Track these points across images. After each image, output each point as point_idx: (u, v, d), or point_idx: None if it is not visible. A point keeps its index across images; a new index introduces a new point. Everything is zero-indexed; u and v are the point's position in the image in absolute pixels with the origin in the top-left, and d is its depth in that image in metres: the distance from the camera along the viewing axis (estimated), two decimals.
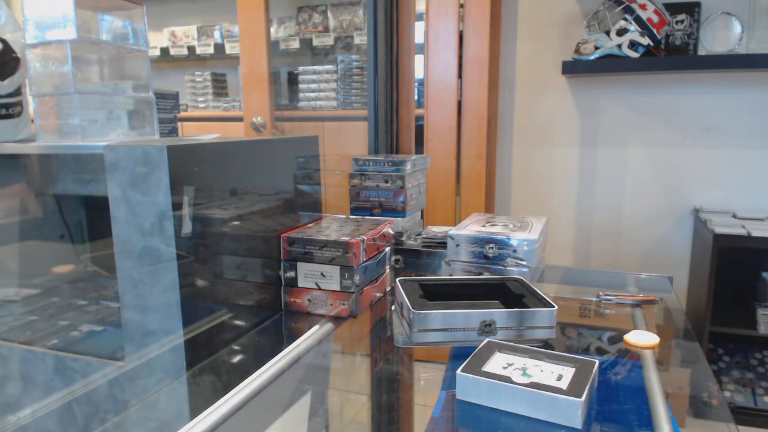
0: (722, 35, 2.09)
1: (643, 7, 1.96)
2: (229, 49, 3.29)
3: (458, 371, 0.66)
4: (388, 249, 1.12)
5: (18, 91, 1.03)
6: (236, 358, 0.89)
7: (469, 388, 0.66)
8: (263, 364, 0.50)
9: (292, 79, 3.16)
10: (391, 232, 1.16)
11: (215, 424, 0.42)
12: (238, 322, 0.92)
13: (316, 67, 3.02)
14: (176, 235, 0.77)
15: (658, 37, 1.99)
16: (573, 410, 0.59)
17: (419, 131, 2.31)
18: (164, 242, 0.77)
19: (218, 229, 0.87)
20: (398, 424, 0.82)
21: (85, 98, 0.92)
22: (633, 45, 2.00)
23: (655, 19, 1.96)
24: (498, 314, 0.80)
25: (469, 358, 0.70)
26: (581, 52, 2.10)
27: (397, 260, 1.26)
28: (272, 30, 3.13)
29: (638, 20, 1.97)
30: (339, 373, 0.88)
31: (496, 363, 0.70)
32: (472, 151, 2.31)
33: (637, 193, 2.26)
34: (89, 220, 1.22)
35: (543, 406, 0.61)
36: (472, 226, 1.13)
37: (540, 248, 1.09)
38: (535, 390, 0.62)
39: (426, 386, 0.77)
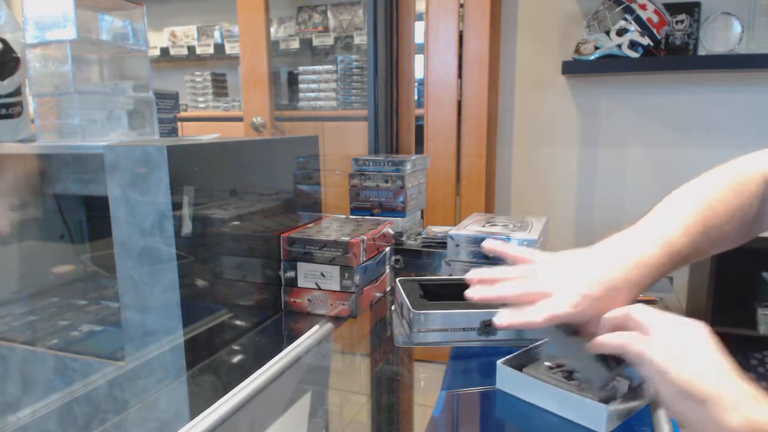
0: (722, 35, 2.09)
1: (643, 7, 1.96)
2: (229, 49, 3.29)
3: (498, 362, 0.69)
4: (388, 249, 1.12)
5: (18, 91, 1.03)
6: (236, 358, 0.89)
7: (506, 380, 0.68)
8: (263, 364, 0.50)
9: (292, 79, 3.16)
10: (391, 232, 1.16)
11: (215, 424, 0.42)
12: (238, 322, 0.92)
13: (316, 67, 3.02)
14: (176, 235, 0.77)
15: (658, 37, 1.99)
16: (599, 415, 0.59)
17: (419, 131, 2.31)
18: (164, 242, 0.77)
19: (218, 229, 0.87)
20: (398, 424, 0.82)
21: (85, 98, 0.92)
22: (633, 45, 2.00)
23: (655, 19, 1.96)
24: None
25: (519, 351, 0.71)
26: (581, 52, 2.10)
27: (397, 260, 1.26)
28: (272, 30, 3.13)
29: (638, 20, 1.97)
30: (339, 373, 0.88)
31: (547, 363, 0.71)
32: (472, 151, 2.30)
33: (638, 193, 2.26)
34: (89, 220, 1.22)
35: (569, 407, 0.62)
36: (472, 226, 1.13)
37: (540, 248, 1.09)
38: (564, 390, 0.62)
39: (426, 386, 0.77)
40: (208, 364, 0.83)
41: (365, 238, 0.99)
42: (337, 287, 0.98)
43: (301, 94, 3.06)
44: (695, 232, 0.63)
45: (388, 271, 1.12)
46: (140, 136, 1.03)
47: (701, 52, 2.11)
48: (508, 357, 0.70)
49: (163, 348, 0.80)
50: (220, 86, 3.42)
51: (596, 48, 2.06)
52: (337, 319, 0.97)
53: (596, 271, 0.59)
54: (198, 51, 3.37)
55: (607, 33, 2.03)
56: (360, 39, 2.99)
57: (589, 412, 0.60)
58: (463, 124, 2.31)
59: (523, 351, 0.72)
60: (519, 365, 0.70)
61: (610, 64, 2.07)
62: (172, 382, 0.80)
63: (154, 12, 3.43)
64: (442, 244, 1.24)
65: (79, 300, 1.11)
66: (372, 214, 1.31)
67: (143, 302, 0.80)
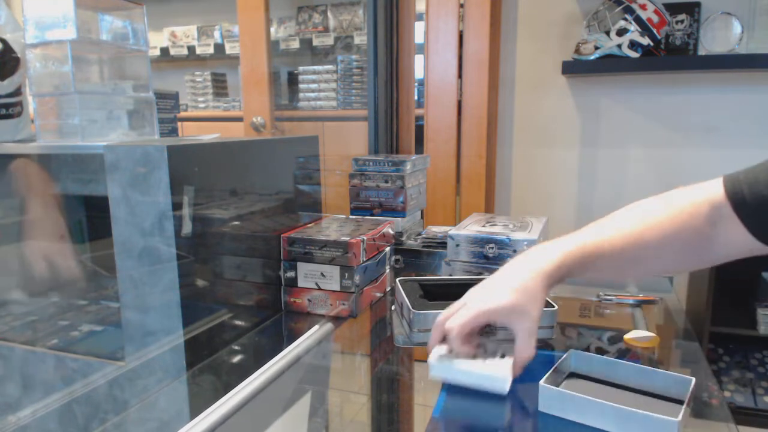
0: (722, 35, 2.09)
1: (643, 7, 1.96)
2: (229, 49, 3.29)
3: (541, 383, 0.66)
4: (388, 249, 1.12)
5: (18, 91, 1.03)
6: (236, 358, 0.89)
7: (553, 401, 0.65)
8: (263, 364, 0.51)
9: (292, 79, 3.16)
10: (391, 232, 1.16)
11: (215, 424, 0.42)
12: (238, 322, 0.92)
13: (316, 67, 3.02)
14: (176, 235, 0.77)
15: (658, 37, 1.99)
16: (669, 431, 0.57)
17: (419, 131, 2.31)
18: (164, 242, 0.77)
19: (218, 229, 0.87)
20: (398, 424, 0.82)
21: (85, 98, 0.92)
22: (633, 45, 2.00)
23: (655, 19, 1.96)
24: None
25: (553, 368, 0.69)
26: (581, 52, 2.09)
27: (397, 260, 1.26)
28: (272, 30, 3.13)
29: (638, 20, 1.97)
30: (339, 373, 0.88)
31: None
32: (472, 151, 2.30)
33: (637, 193, 2.25)
34: (89, 220, 1.22)
35: (634, 426, 0.59)
36: (472, 226, 1.13)
37: None
38: (625, 408, 0.60)
39: (426, 386, 0.77)
40: (208, 364, 0.83)
41: (365, 238, 0.99)
42: (337, 287, 0.98)
43: (301, 94, 3.06)
44: (606, 250, 0.72)
45: (388, 271, 1.12)
46: (140, 136, 1.03)
47: (701, 52, 2.11)
48: (546, 377, 0.67)
49: (163, 348, 0.80)
50: (220, 86, 3.42)
51: (596, 48, 2.06)
52: (337, 319, 0.97)
53: (506, 282, 0.70)
54: (198, 51, 3.36)
55: (607, 33, 2.03)
56: (360, 39, 2.99)
57: (657, 428, 0.57)
58: (463, 124, 2.31)
59: (553, 368, 0.70)
60: (557, 383, 0.69)
61: (610, 64, 2.07)
62: (172, 382, 0.80)
63: (154, 12, 3.43)
64: (442, 244, 1.24)
65: (79, 300, 1.11)
66: (372, 214, 1.31)
67: (143, 302, 0.80)
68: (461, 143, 2.32)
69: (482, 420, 0.69)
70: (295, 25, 3.17)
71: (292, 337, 0.78)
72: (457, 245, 1.09)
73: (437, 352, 0.73)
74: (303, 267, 1.00)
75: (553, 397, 0.65)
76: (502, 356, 0.71)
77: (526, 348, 0.67)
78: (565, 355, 0.73)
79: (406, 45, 2.12)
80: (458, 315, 0.69)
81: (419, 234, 1.34)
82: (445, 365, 0.71)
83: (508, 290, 0.68)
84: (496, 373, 0.69)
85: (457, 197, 2.35)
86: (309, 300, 1.00)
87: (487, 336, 0.79)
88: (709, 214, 0.70)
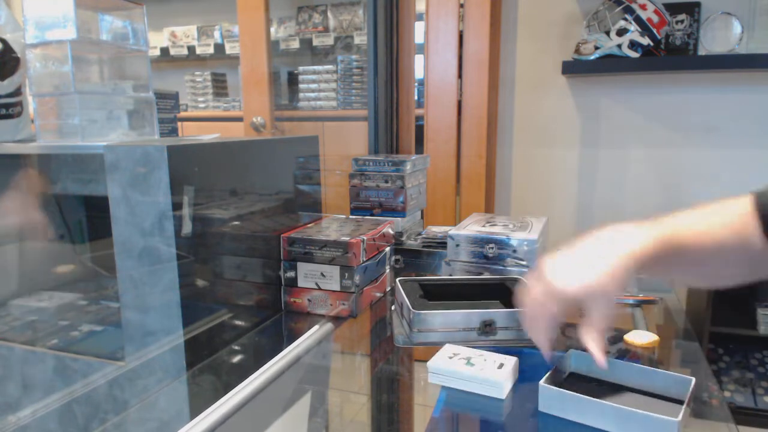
0: (722, 35, 2.09)
1: (643, 7, 1.96)
2: (229, 49, 3.29)
3: (541, 383, 0.65)
4: (388, 249, 1.12)
5: (18, 91, 1.03)
6: (236, 358, 0.89)
7: (553, 401, 0.65)
8: (263, 364, 0.51)
9: (292, 79, 3.16)
10: (391, 232, 1.16)
11: (215, 424, 0.42)
12: (238, 322, 0.92)
13: (316, 67, 3.02)
14: (176, 235, 0.77)
15: (658, 37, 1.99)
16: (669, 431, 0.57)
17: (419, 131, 2.31)
18: (164, 242, 0.77)
19: (218, 229, 0.87)
20: (398, 424, 0.83)
21: (85, 98, 0.92)
22: (633, 45, 1.99)
23: (655, 19, 1.96)
24: (498, 314, 0.80)
25: (553, 368, 0.69)
26: (581, 52, 2.09)
27: (397, 260, 1.26)
28: (272, 30, 3.13)
29: (638, 20, 1.97)
30: (339, 373, 0.88)
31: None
32: (472, 151, 2.30)
33: (638, 193, 2.26)
34: (89, 220, 1.22)
35: (634, 426, 0.59)
36: (472, 226, 1.13)
37: (540, 248, 1.09)
38: (625, 408, 0.60)
39: (426, 386, 0.78)
40: (208, 364, 0.83)
41: (365, 238, 0.99)
42: (337, 287, 0.98)
43: (301, 94, 3.05)
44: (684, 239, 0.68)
45: (388, 271, 1.12)
46: (140, 136, 1.03)
47: (701, 52, 2.11)
48: (546, 377, 0.67)
49: (163, 348, 0.80)
50: (220, 86, 3.41)
51: (596, 48, 2.06)
52: (337, 319, 0.97)
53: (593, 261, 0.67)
54: (198, 51, 3.36)
55: (607, 33, 2.03)
56: (360, 39, 2.99)
57: (657, 428, 0.57)
58: (463, 124, 2.31)
59: (553, 368, 0.70)
60: (557, 383, 0.69)
61: (610, 64, 2.07)
62: (172, 382, 0.80)
63: (154, 12, 3.43)
64: (442, 244, 1.24)
65: (79, 300, 1.11)
66: (372, 214, 1.31)
67: (143, 302, 0.80)
68: (461, 143, 2.32)
69: (482, 420, 0.69)
70: (295, 25, 3.17)
71: (292, 337, 0.78)
72: (457, 245, 1.09)
73: (437, 358, 0.73)
74: (303, 267, 1.00)
75: (553, 397, 0.65)
76: (500, 366, 0.72)
77: (598, 323, 0.64)
78: (565, 355, 0.73)
79: (406, 45, 2.12)
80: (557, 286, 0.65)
81: (419, 234, 1.34)
82: (445, 372, 0.72)
83: (599, 269, 0.64)
84: (493, 378, 0.69)
85: (457, 197, 2.35)
86: (309, 300, 1.00)
87: (487, 335, 0.79)
88: (757, 224, 0.68)
